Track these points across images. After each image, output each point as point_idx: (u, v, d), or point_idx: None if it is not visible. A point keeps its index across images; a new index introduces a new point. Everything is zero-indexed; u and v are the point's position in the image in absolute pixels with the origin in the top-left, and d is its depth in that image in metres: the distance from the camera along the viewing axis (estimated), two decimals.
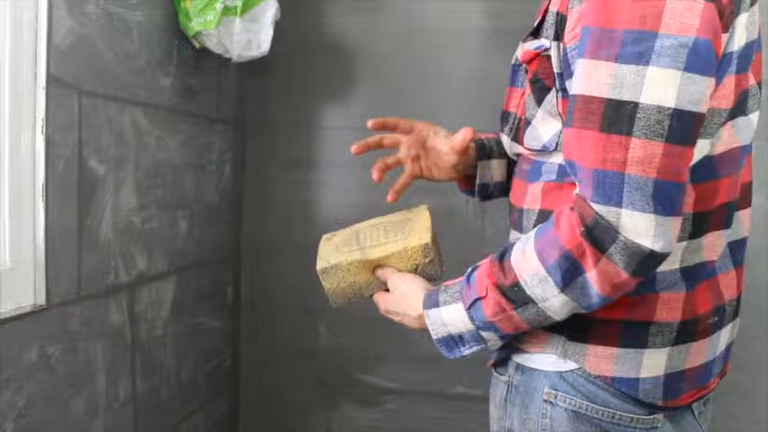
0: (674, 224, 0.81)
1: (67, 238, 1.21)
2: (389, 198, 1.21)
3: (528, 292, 0.88)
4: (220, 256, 1.86)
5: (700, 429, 1.01)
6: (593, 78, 0.82)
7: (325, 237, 1.19)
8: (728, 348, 1.02)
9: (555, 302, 0.87)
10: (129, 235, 1.40)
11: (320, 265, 1.09)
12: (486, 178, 1.22)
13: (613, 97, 0.80)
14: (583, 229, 0.82)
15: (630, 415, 0.93)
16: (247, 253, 1.97)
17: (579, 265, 0.83)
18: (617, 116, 0.79)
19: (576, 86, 0.85)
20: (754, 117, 0.94)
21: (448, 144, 1.18)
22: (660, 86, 0.78)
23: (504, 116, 1.06)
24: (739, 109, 0.91)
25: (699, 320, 0.93)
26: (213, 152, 1.78)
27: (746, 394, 1.76)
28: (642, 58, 0.78)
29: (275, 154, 1.94)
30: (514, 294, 0.89)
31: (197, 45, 1.56)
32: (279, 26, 1.60)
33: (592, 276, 0.83)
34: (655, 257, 0.81)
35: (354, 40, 1.88)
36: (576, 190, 0.85)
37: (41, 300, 1.15)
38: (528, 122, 0.98)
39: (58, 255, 1.18)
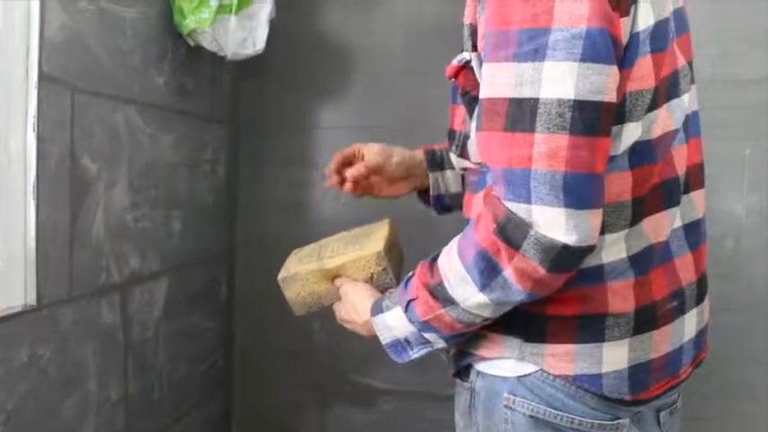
0: (591, 217, 0.81)
1: (59, 237, 1.20)
2: (337, 185, 1.23)
3: (450, 291, 0.89)
4: (214, 255, 1.85)
5: None
6: (495, 80, 0.83)
7: (294, 251, 1.24)
8: (701, 334, 1.00)
9: (474, 302, 0.87)
10: (121, 234, 1.39)
11: (281, 274, 1.14)
12: (439, 189, 1.23)
13: (514, 96, 0.80)
14: (495, 226, 0.82)
15: (591, 420, 0.91)
16: (241, 253, 1.96)
17: (496, 263, 0.83)
18: (519, 114, 0.80)
19: (481, 91, 0.86)
20: (685, 98, 0.94)
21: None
22: (558, 80, 0.78)
23: (450, 135, 1.07)
24: (673, 91, 0.91)
25: (656, 306, 0.92)
26: (207, 151, 1.77)
27: (747, 392, 1.76)
28: (538, 54, 0.79)
29: (270, 153, 1.93)
30: (439, 293, 0.90)
31: (191, 43, 1.55)
32: (274, 24, 1.59)
33: (510, 274, 0.83)
34: (571, 251, 0.80)
35: (350, 38, 1.87)
36: (493, 191, 0.85)
37: (32, 300, 1.14)
38: (468, 136, 0.99)
39: (49, 254, 1.17)
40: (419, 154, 1.23)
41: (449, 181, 1.23)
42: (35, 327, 1.14)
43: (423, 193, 1.26)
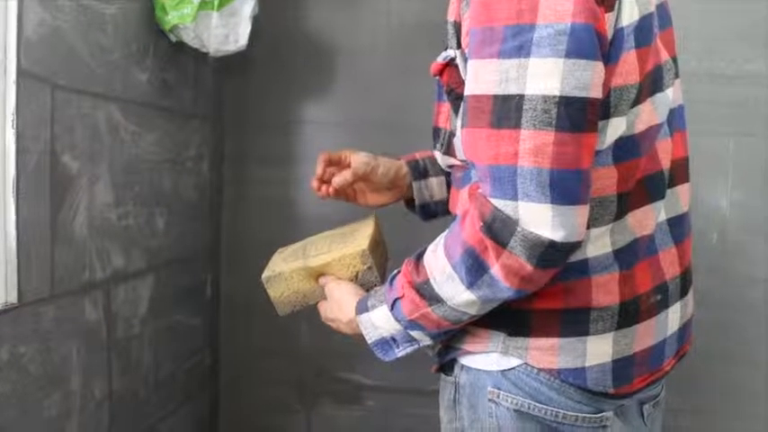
0: (578, 213, 0.81)
1: (40, 234, 1.19)
2: (318, 190, 1.21)
3: (436, 289, 0.89)
4: (199, 253, 1.84)
5: None
6: (480, 77, 0.83)
7: (278, 250, 1.23)
8: (684, 328, 1.01)
9: (461, 300, 0.87)
10: (104, 232, 1.38)
11: (265, 273, 1.13)
12: (424, 198, 1.23)
13: (500, 93, 0.80)
14: (481, 224, 0.82)
15: (575, 414, 0.92)
16: (226, 250, 1.95)
17: (483, 261, 0.83)
18: (505, 110, 0.80)
19: (466, 88, 0.86)
20: (669, 92, 0.94)
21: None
22: (543, 76, 0.78)
23: (435, 132, 1.07)
24: (656, 85, 0.91)
25: (640, 300, 0.92)
26: (191, 148, 1.76)
27: (745, 392, 1.77)
28: (522, 50, 0.79)
29: (254, 150, 1.92)
30: (425, 291, 0.90)
31: (174, 39, 1.54)
32: (257, 21, 1.59)
33: (497, 271, 0.83)
34: (558, 247, 0.80)
35: (333, 35, 1.86)
36: (479, 188, 0.85)
37: (13, 298, 1.13)
38: (453, 134, 0.99)
39: (30, 252, 1.16)
40: (403, 166, 1.23)
41: (433, 189, 1.23)
42: (16, 325, 1.13)
43: (408, 201, 1.26)
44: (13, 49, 1.11)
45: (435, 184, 1.23)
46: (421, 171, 1.23)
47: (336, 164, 1.22)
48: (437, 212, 1.25)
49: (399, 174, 1.23)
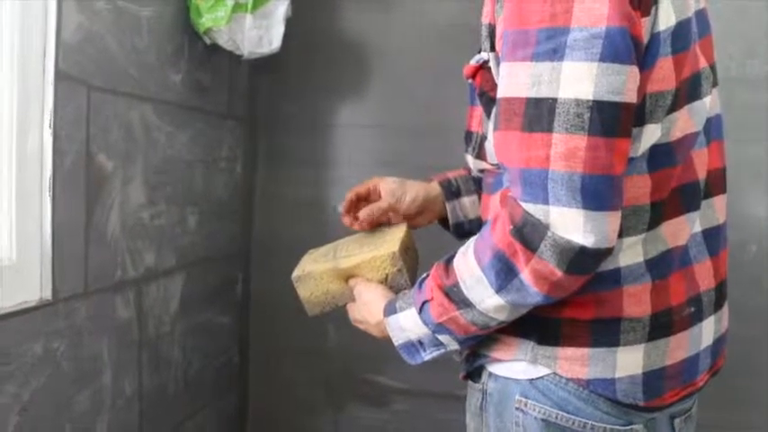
0: (609, 219, 0.79)
1: (75, 233, 1.21)
2: (350, 225, 1.20)
3: (465, 293, 0.88)
4: (230, 252, 1.86)
5: None
6: (512, 80, 0.82)
7: (309, 251, 1.23)
8: (718, 342, 0.99)
9: (490, 304, 0.86)
10: (137, 231, 1.40)
11: (295, 273, 1.14)
12: (458, 217, 1.22)
13: (532, 96, 0.79)
14: (512, 227, 0.81)
15: (603, 425, 0.90)
16: (257, 250, 1.96)
17: (513, 265, 0.82)
18: (537, 114, 0.79)
19: (499, 90, 0.85)
20: (707, 100, 0.92)
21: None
22: (576, 80, 0.77)
23: (468, 136, 1.07)
24: (694, 93, 0.90)
25: (672, 312, 0.90)
26: (224, 149, 1.78)
27: (746, 400, 1.72)
28: (556, 53, 0.78)
29: (286, 151, 1.93)
30: (455, 295, 0.89)
31: (208, 41, 1.55)
32: (290, 23, 1.60)
33: (526, 276, 0.82)
34: (588, 253, 0.79)
35: (366, 37, 1.86)
36: (510, 191, 0.84)
37: (47, 294, 1.15)
38: (485, 138, 0.98)
39: (64, 250, 1.18)
40: (434, 188, 1.22)
41: (466, 208, 1.22)
42: (50, 321, 1.16)
43: (442, 220, 1.25)
44: (52, 51, 1.13)
45: (468, 203, 1.22)
46: (453, 191, 1.22)
47: (365, 199, 1.21)
48: (471, 231, 1.23)
49: (429, 197, 1.21)
